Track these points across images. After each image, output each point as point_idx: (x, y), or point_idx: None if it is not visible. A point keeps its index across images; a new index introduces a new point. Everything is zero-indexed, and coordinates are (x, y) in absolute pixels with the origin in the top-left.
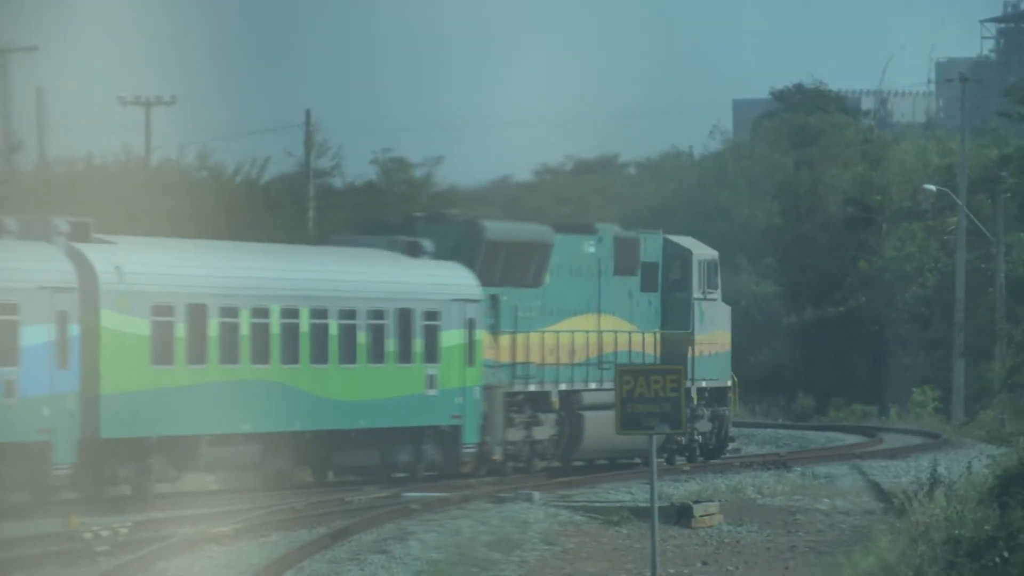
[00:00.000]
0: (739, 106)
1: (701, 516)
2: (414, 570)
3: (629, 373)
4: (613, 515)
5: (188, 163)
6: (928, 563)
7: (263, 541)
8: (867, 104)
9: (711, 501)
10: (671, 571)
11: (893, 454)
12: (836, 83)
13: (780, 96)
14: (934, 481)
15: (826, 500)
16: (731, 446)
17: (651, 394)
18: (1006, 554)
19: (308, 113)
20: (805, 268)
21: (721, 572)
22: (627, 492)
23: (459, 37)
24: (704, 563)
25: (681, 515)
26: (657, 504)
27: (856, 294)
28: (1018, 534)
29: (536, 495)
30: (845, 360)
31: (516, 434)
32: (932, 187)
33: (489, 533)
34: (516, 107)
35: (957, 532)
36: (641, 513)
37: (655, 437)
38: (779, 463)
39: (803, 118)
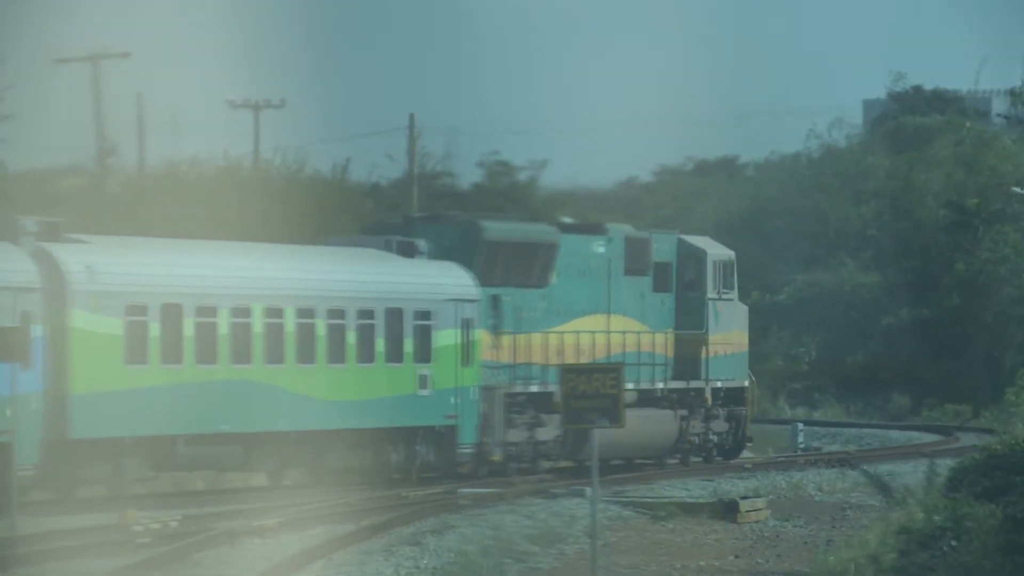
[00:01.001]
0: (869, 106)
1: (747, 511)
2: (444, 561)
3: (572, 372)
4: (660, 510)
5: (276, 166)
6: (884, 553)
7: (305, 534)
8: (998, 105)
9: (759, 497)
10: (701, 563)
11: (961, 452)
12: (967, 83)
13: (897, 97)
14: (931, 476)
15: (881, 497)
16: (806, 444)
17: (592, 391)
18: (954, 543)
19: (412, 117)
20: (902, 269)
21: (751, 564)
22: (683, 488)
23: (575, 36)
24: (736, 556)
25: (728, 510)
26: (599, 497)
27: (952, 295)
28: (964, 522)
29: (589, 491)
30: (941, 360)
31: (518, 435)
32: (1020, 189)
33: (533, 527)
34: (631, 107)
35: (907, 523)
36: (688, 509)
37: (597, 432)
38: (844, 461)
39: (917, 119)
